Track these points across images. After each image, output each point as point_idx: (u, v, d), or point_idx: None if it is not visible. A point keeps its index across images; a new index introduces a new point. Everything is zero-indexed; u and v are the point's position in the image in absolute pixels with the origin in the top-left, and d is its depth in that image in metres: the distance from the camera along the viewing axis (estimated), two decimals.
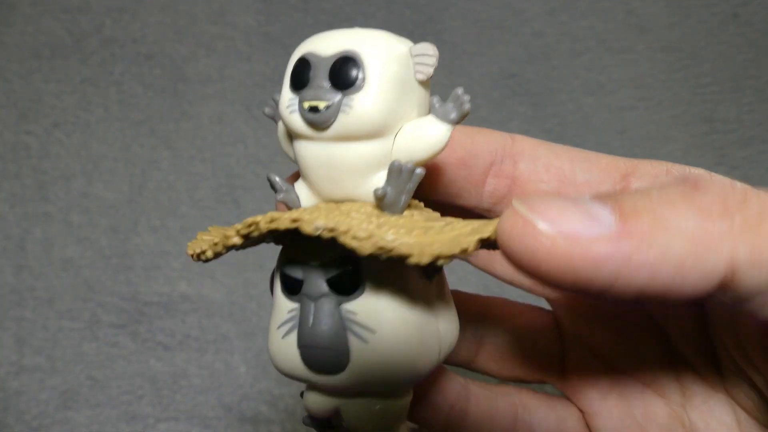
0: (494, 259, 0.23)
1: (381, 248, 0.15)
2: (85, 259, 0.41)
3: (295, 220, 0.16)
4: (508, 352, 0.23)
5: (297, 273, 0.18)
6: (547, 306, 0.24)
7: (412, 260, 0.14)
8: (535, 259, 0.13)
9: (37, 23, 0.49)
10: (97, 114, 0.46)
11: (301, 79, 0.17)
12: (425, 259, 0.14)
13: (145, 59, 0.48)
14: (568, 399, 0.23)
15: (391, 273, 0.17)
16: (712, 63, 0.50)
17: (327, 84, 0.17)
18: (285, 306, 0.18)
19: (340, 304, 0.17)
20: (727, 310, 0.17)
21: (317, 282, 0.17)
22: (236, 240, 0.17)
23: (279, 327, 0.18)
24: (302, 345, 0.17)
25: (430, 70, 0.17)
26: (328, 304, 0.17)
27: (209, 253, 0.17)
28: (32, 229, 0.42)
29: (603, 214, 0.13)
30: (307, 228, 0.15)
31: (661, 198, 0.14)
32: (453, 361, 0.23)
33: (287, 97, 0.17)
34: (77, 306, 0.40)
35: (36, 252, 0.41)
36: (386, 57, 0.16)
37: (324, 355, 0.17)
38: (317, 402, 0.19)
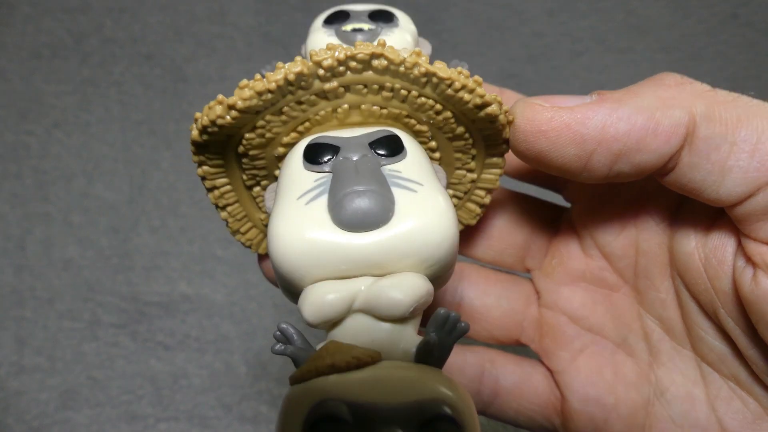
0: (474, 242, 0.24)
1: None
2: (85, 259, 0.41)
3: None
4: (486, 313, 0.24)
5: (331, 141, 0.17)
6: (526, 281, 0.25)
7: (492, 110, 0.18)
8: (537, 124, 0.18)
9: (37, 23, 0.49)
10: (97, 114, 0.46)
11: None
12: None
13: (145, 59, 0.48)
14: (539, 359, 0.24)
15: (423, 151, 0.18)
16: (712, 63, 0.50)
17: None
18: (309, 178, 0.17)
19: (381, 165, 0.17)
20: (686, 193, 0.19)
21: (358, 144, 0.17)
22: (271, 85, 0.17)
23: (300, 197, 0.16)
24: (340, 196, 0.15)
25: None
26: (371, 160, 0.17)
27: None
28: (32, 229, 0.42)
29: (585, 97, 0.18)
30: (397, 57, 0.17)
31: (631, 87, 0.18)
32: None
33: None
34: (77, 306, 0.40)
35: (36, 252, 0.41)
36: None
37: (369, 201, 0.15)
38: (329, 292, 0.15)
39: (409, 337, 0.16)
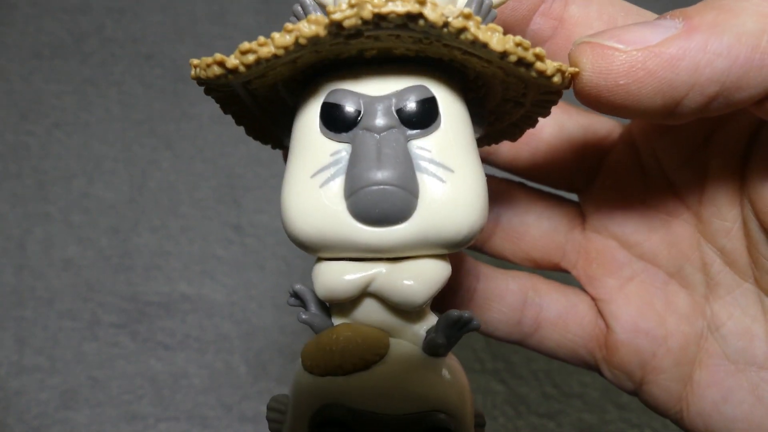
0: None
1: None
2: (86, 259, 0.41)
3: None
4: (525, 233, 0.22)
5: (352, 102, 0.14)
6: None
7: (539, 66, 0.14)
8: (613, 77, 0.14)
9: (37, 23, 0.49)
10: (97, 114, 0.46)
11: None
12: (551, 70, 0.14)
13: (145, 59, 0.48)
14: (582, 288, 0.22)
15: (461, 106, 0.15)
16: None
17: None
18: (325, 148, 0.15)
19: (408, 140, 0.14)
20: None
21: (385, 109, 0.14)
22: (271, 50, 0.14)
23: (314, 175, 0.14)
24: (357, 188, 0.14)
25: None
26: (397, 138, 0.14)
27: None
28: (32, 229, 0.42)
29: (667, 23, 0.14)
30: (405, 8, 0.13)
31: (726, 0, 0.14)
32: None
33: None
34: (77, 306, 0.40)
35: (36, 252, 0.41)
36: None
37: (389, 199, 0.14)
38: (345, 273, 0.15)
39: (420, 318, 0.16)
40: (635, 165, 0.21)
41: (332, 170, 0.14)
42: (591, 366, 0.22)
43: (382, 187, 0.14)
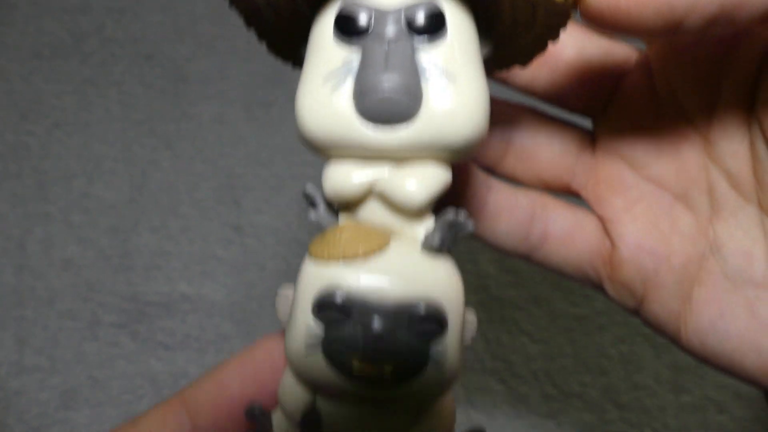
0: (537, 75, 0.22)
1: None
2: (85, 259, 0.41)
3: None
4: (536, 153, 0.23)
5: (364, 13, 0.16)
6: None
7: None
8: (617, 7, 0.15)
9: (37, 23, 0.49)
10: (97, 114, 0.46)
11: None
12: None
13: (145, 59, 0.48)
14: (591, 208, 0.23)
15: (469, 24, 0.16)
16: None
17: None
18: (337, 54, 0.16)
19: (415, 50, 0.15)
20: None
21: (395, 20, 0.15)
22: None
23: (326, 78, 0.16)
24: (365, 89, 0.15)
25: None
26: (404, 47, 0.15)
27: None
28: (32, 229, 0.42)
29: None
30: None
31: None
32: (479, 163, 0.22)
33: None
34: (77, 306, 0.40)
35: (36, 252, 0.41)
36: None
37: (394, 100, 0.15)
38: (350, 173, 0.16)
39: (420, 219, 0.17)
40: (649, 89, 0.21)
41: (343, 74, 0.15)
42: (595, 283, 0.22)
43: (387, 87, 0.15)
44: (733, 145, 0.20)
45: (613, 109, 0.22)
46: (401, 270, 0.16)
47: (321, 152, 0.16)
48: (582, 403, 0.38)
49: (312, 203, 0.17)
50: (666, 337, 0.21)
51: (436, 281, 0.16)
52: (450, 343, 0.16)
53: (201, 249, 0.42)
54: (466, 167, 0.21)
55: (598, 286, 0.22)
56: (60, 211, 0.43)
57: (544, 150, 0.22)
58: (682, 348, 0.21)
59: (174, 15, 0.50)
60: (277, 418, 0.18)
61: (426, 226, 0.17)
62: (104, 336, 0.39)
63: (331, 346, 0.15)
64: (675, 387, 0.39)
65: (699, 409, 0.38)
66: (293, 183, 0.44)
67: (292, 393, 0.17)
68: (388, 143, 0.16)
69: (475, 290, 0.41)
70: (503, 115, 0.22)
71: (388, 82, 0.15)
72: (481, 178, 0.22)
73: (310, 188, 0.17)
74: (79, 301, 0.40)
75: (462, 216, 0.16)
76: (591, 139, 0.23)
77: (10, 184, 0.43)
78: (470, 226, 0.16)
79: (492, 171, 0.23)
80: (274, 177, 0.44)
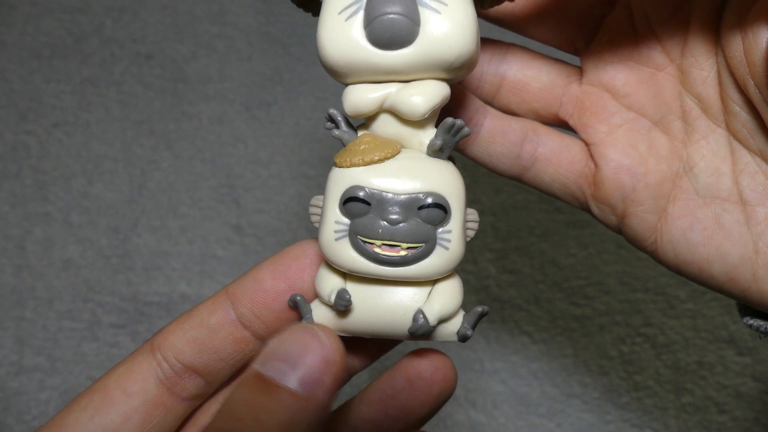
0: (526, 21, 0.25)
1: None
2: (85, 259, 0.41)
3: None
4: (527, 85, 0.25)
5: None
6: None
7: None
8: None
9: (37, 23, 0.49)
10: (97, 114, 0.46)
11: None
12: None
13: (145, 59, 0.48)
14: (577, 134, 0.25)
15: None
16: None
17: None
18: None
19: None
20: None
21: None
22: None
23: (341, 11, 0.19)
24: (372, 17, 0.19)
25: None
26: None
27: None
28: (32, 229, 0.42)
29: None
30: None
31: None
32: (478, 96, 0.25)
33: None
34: (77, 306, 0.40)
35: (36, 252, 0.41)
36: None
37: (397, 25, 0.19)
38: (366, 92, 0.20)
39: (426, 130, 0.20)
40: (628, 23, 0.24)
41: (355, 7, 0.19)
42: (581, 203, 0.25)
43: (391, 15, 0.19)
44: (703, 72, 0.22)
45: (596, 43, 0.24)
46: (410, 170, 0.20)
47: (340, 77, 0.20)
48: (582, 403, 0.38)
49: (334, 122, 0.21)
50: (645, 251, 0.24)
51: (440, 178, 0.20)
52: (454, 229, 0.20)
53: (201, 249, 0.42)
54: (465, 95, 0.24)
55: (584, 207, 0.25)
56: (60, 211, 0.43)
57: (534, 82, 0.25)
58: (658, 260, 0.24)
59: (174, 15, 0.50)
60: (315, 306, 0.21)
61: (430, 135, 0.20)
62: (104, 336, 0.39)
63: (356, 233, 0.19)
64: (675, 387, 0.39)
65: (699, 409, 0.38)
66: (293, 183, 0.44)
67: (326, 279, 0.20)
68: (394, 63, 0.19)
69: (475, 290, 0.41)
70: (497, 52, 0.25)
71: (392, 8, 0.19)
72: (478, 104, 0.24)
73: (333, 111, 0.21)
74: (79, 301, 0.40)
75: (459, 121, 0.20)
76: (577, 74, 0.25)
77: (10, 184, 0.43)
78: (467, 130, 0.20)
79: (490, 104, 0.25)
80: (273, 177, 0.44)
